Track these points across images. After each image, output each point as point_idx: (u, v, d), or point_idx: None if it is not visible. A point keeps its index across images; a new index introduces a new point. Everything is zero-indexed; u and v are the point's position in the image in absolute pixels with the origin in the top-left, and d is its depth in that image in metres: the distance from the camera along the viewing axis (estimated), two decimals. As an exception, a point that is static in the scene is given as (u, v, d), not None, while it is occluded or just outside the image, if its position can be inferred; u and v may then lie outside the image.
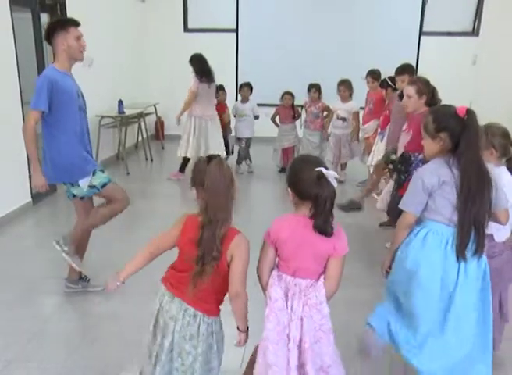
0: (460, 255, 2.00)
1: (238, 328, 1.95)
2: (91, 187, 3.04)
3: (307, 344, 1.77)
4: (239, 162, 6.67)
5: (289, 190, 1.84)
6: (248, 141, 6.63)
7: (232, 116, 6.69)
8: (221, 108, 6.42)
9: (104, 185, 3.08)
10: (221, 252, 1.77)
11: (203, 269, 1.76)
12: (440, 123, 2.04)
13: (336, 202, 1.76)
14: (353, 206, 4.68)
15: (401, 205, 2.14)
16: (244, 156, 6.69)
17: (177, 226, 1.87)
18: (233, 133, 6.67)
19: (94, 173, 3.04)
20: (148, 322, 1.93)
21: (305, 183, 1.75)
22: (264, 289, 1.91)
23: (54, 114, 2.88)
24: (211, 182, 1.74)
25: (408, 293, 2.11)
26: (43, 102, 2.82)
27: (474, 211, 1.96)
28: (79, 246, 3.22)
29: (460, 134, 1.96)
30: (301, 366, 1.80)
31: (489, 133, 2.40)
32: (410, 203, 2.12)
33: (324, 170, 1.73)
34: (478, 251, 2.01)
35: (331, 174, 1.74)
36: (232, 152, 6.70)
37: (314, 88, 6.18)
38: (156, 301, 1.92)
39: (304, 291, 1.81)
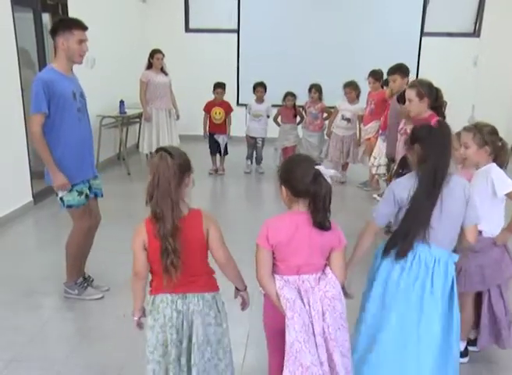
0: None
1: (237, 288, 2.00)
2: (61, 199, 3.00)
3: (333, 335, 1.81)
4: (258, 162, 6.67)
5: (282, 187, 1.85)
6: (263, 141, 6.60)
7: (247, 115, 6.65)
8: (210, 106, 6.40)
9: (70, 206, 3.02)
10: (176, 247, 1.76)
11: (171, 263, 1.75)
12: (414, 133, 2.10)
13: None
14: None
15: (373, 212, 2.12)
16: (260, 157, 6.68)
17: (139, 236, 1.83)
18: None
19: (71, 189, 2.97)
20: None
21: (302, 181, 1.77)
22: (272, 296, 1.85)
23: (51, 117, 2.85)
24: (154, 176, 1.73)
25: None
26: (43, 104, 2.79)
27: (415, 222, 1.98)
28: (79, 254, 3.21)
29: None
30: (329, 357, 1.83)
31: (480, 132, 2.43)
32: (379, 213, 2.11)
33: (321, 168, 1.77)
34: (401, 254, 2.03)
35: (327, 172, 1.78)
36: (227, 152, 6.56)
37: (315, 88, 6.17)
38: (159, 315, 1.85)
39: (315, 285, 1.83)
